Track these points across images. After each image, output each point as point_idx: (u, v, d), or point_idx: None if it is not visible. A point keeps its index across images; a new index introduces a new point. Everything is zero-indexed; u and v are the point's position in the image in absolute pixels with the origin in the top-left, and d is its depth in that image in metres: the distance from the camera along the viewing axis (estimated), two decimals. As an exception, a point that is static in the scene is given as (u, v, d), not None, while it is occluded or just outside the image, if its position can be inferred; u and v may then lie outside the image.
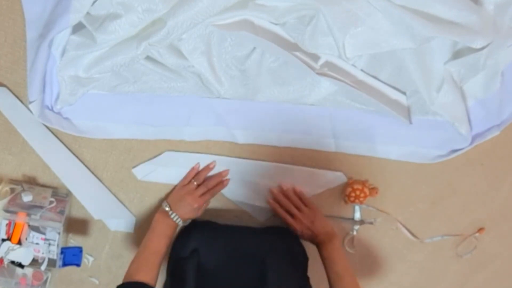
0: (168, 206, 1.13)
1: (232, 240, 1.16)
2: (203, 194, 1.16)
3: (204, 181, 1.19)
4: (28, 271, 1.13)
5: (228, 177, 1.20)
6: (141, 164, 1.19)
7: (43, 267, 1.14)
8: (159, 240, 1.08)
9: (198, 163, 1.19)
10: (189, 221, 1.17)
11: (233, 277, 1.06)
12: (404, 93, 1.17)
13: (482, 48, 1.04)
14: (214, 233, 1.18)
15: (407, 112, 1.18)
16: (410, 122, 1.18)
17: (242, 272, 1.07)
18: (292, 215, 1.19)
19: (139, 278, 1.01)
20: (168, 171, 1.20)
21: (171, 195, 1.18)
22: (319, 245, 1.14)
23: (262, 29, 1.06)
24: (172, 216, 1.12)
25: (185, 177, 1.19)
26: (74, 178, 1.20)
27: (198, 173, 1.19)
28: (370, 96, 1.12)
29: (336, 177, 1.24)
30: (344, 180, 1.24)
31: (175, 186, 1.20)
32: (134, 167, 1.19)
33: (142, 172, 1.20)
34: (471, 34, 1.02)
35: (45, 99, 1.10)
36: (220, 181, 1.20)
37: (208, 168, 1.19)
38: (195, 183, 1.17)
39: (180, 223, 1.12)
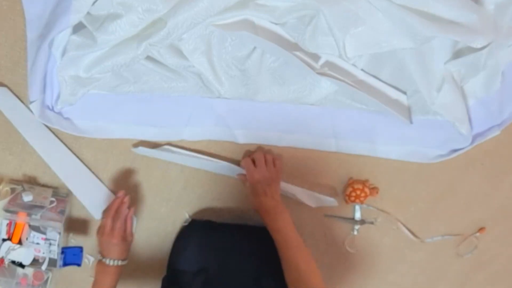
0: (100, 255, 1.10)
1: (232, 239, 1.16)
2: (113, 226, 1.09)
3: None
4: (29, 271, 1.13)
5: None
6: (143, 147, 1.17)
7: (43, 267, 1.14)
8: None
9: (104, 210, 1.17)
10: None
11: (231, 276, 1.06)
12: (404, 92, 1.17)
13: (483, 48, 1.04)
14: (213, 233, 1.18)
15: (408, 112, 1.18)
16: (411, 122, 1.18)
17: (240, 272, 1.07)
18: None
19: None
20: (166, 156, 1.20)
21: (98, 245, 1.13)
22: (267, 212, 1.08)
23: (262, 29, 1.06)
24: (107, 262, 1.08)
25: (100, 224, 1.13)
26: (75, 178, 1.20)
27: (108, 210, 1.12)
28: (371, 96, 1.12)
29: (329, 202, 1.25)
30: (335, 205, 1.26)
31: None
32: (135, 146, 1.18)
33: (142, 151, 1.18)
34: (471, 33, 1.02)
35: (45, 99, 1.11)
36: (119, 203, 1.12)
37: (115, 201, 1.12)
38: (106, 221, 1.10)
39: (119, 263, 1.08)
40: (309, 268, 0.98)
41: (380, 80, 1.15)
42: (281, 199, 1.12)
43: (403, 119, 1.15)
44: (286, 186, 1.22)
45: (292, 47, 1.08)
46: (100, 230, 1.09)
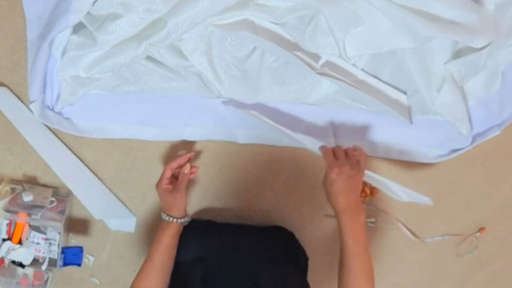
0: (162, 212, 1.08)
1: (231, 239, 1.16)
2: (171, 180, 1.07)
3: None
4: (29, 271, 1.14)
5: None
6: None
7: (44, 267, 1.14)
8: (161, 244, 1.05)
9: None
10: (188, 218, 1.12)
11: (229, 274, 1.06)
12: (404, 92, 1.17)
13: (483, 48, 1.04)
14: (213, 232, 1.18)
15: (408, 112, 1.18)
16: (411, 122, 1.18)
17: (239, 271, 1.07)
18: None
19: (148, 284, 1.00)
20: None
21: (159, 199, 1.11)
22: (344, 212, 0.97)
23: (262, 29, 1.06)
24: (163, 217, 1.07)
25: None
26: (75, 178, 1.20)
27: (172, 163, 1.10)
28: (371, 96, 1.12)
29: (422, 200, 1.12)
30: (429, 203, 1.13)
31: None
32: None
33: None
34: (471, 33, 1.02)
35: (45, 99, 1.11)
36: (185, 160, 1.10)
37: (182, 157, 1.10)
38: (166, 171, 1.08)
39: (171, 219, 1.05)
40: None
41: (380, 80, 1.15)
42: (360, 200, 1.01)
43: (403, 119, 1.15)
44: (373, 175, 1.09)
45: (292, 47, 1.08)
46: (159, 182, 1.08)
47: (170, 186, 1.07)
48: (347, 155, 1.03)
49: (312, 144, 1.10)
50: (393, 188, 1.12)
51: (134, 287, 1.01)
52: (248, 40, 1.08)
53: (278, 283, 1.00)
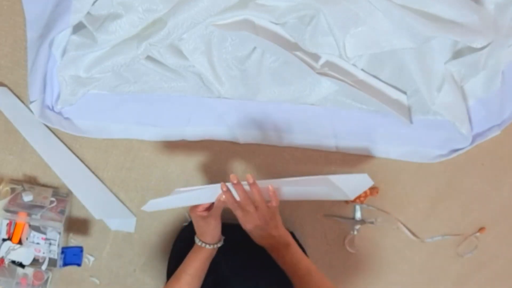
0: (195, 237, 1.05)
1: (232, 239, 1.15)
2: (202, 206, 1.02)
3: None
4: (29, 271, 1.13)
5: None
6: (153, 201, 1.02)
7: (43, 267, 1.14)
8: (190, 266, 1.02)
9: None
10: (221, 242, 1.06)
11: (237, 281, 1.06)
12: (404, 92, 1.17)
13: (483, 48, 1.04)
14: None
15: (408, 112, 1.18)
16: (411, 122, 1.18)
17: (246, 277, 1.07)
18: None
19: None
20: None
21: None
22: (272, 249, 1.00)
23: (262, 29, 1.06)
24: (196, 242, 1.03)
25: None
26: (75, 178, 1.20)
27: None
28: (371, 96, 1.12)
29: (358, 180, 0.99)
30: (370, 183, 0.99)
31: None
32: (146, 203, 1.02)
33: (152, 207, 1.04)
34: (471, 33, 1.02)
35: (45, 99, 1.11)
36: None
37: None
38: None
39: (203, 245, 1.02)
40: None
41: (380, 80, 1.15)
42: (283, 228, 1.01)
43: (403, 119, 1.15)
44: (295, 190, 1.02)
45: (292, 47, 1.08)
46: (194, 207, 1.02)
47: (205, 213, 1.00)
48: (254, 203, 0.97)
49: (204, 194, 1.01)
50: (326, 184, 0.99)
51: None
52: (248, 40, 1.08)
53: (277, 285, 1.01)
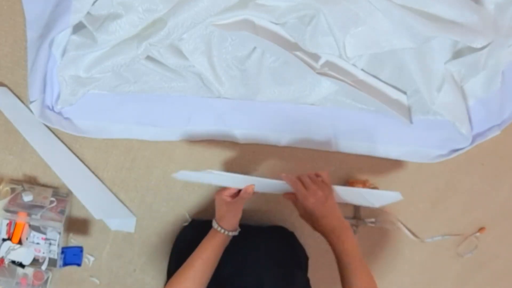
0: (213, 221, 1.06)
1: (233, 240, 1.16)
2: (229, 190, 1.04)
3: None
4: (29, 271, 1.13)
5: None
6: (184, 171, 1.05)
7: (43, 267, 1.14)
8: (205, 251, 1.02)
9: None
10: (236, 232, 1.07)
11: (238, 279, 1.06)
12: (404, 92, 1.17)
13: (483, 48, 1.04)
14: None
15: (408, 112, 1.18)
16: (411, 122, 1.18)
17: (247, 276, 1.06)
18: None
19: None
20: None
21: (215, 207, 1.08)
22: (332, 230, 0.99)
23: (262, 29, 1.06)
24: (214, 226, 1.04)
25: None
26: (75, 178, 1.20)
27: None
28: (371, 96, 1.12)
29: (392, 197, 1.08)
30: (400, 199, 1.07)
31: None
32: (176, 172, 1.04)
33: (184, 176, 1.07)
34: (471, 33, 1.02)
35: (45, 99, 1.11)
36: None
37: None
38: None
39: (220, 229, 1.03)
40: None
41: (380, 80, 1.15)
42: (341, 214, 1.02)
43: (403, 119, 1.15)
44: (340, 192, 1.07)
45: (292, 47, 1.08)
46: (221, 190, 1.04)
47: (229, 198, 1.03)
48: (312, 181, 1.03)
49: (274, 185, 1.05)
50: (364, 195, 1.11)
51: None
52: (248, 40, 1.08)
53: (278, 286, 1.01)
